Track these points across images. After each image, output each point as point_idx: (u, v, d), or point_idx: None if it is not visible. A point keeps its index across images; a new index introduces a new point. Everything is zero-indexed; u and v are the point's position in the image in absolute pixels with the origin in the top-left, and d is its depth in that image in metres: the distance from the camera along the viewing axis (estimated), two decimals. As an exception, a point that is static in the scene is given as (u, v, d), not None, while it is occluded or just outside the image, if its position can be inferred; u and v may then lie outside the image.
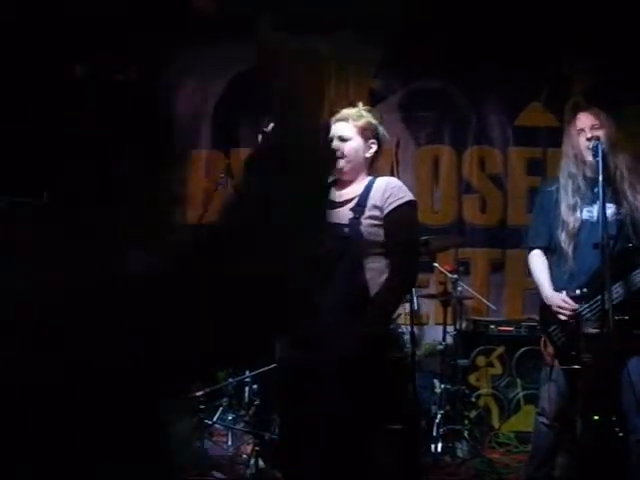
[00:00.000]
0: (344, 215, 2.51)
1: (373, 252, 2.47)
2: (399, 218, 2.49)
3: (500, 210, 5.09)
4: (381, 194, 2.51)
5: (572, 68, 4.98)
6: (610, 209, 2.87)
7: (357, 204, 2.52)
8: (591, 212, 2.95)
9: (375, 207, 2.49)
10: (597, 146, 2.80)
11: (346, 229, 2.49)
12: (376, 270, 2.46)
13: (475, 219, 5.11)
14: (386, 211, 2.48)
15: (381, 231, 2.48)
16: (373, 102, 5.20)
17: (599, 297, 2.84)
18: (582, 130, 2.96)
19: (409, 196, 2.54)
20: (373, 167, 2.64)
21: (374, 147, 2.60)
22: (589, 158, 2.91)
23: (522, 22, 4.68)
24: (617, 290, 2.81)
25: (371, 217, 2.48)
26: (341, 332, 2.44)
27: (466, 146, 5.15)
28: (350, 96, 5.23)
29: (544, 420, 3.05)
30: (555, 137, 5.00)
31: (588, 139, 2.91)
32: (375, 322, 2.40)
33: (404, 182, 2.70)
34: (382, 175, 2.70)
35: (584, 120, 2.98)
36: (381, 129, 2.64)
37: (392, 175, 3.19)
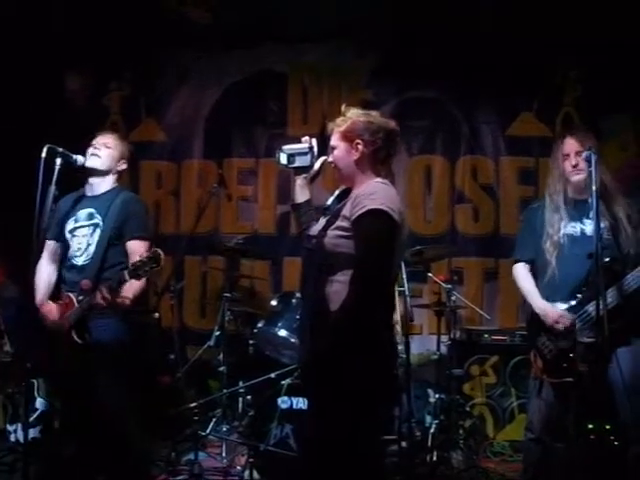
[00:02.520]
0: (319, 226, 2.47)
1: (340, 265, 2.33)
2: (359, 229, 2.31)
3: (493, 219, 5.10)
4: (351, 202, 2.38)
5: (563, 79, 5.01)
6: (591, 225, 2.97)
7: (332, 214, 2.44)
8: (575, 227, 3.09)
9: (344, 217, 2.36)
10: (590, 156, 2.83)
11: (313, 240, 2.42)
12: (343, 283, 2.30)
13: (468, 228, 5.12)
14: (352, 221, 2.34)
15: (351, 242, 2.33)
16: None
17: (588, 306, 2.88)
18: (567, 155, 3.11)
19: (375, 204, 2.31)
20: (382, 167, 2.47)
21: (360, 147, 2.44)
22: (573, 179, 3.06)
23: (514, 33, 4.71)
24: (611, 294, 2.85)
25: (339, 228, 2.36)
26: (305, 346, 2.42)
27: (458, 156, 5.16)
28: (342, 106, 5.23)
29: (532, 436, 3.07)
30: (547, 147, 5.00)
31: (573, 166, 3.06)
32: (327, 339, 2.25)
33: (397, 192, 2.64)
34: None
35: (570, 146, 3.11)
36: (375, 124, 2.46)
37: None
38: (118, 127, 5.31)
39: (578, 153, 3.03)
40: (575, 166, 3.04)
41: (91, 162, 3.20)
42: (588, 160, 2.84)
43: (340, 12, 4.68)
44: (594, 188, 2.78)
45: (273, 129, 5.30)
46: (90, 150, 3.22)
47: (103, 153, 3.22)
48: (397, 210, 2.35)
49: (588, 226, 3.02)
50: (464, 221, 5.13)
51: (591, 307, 2.88)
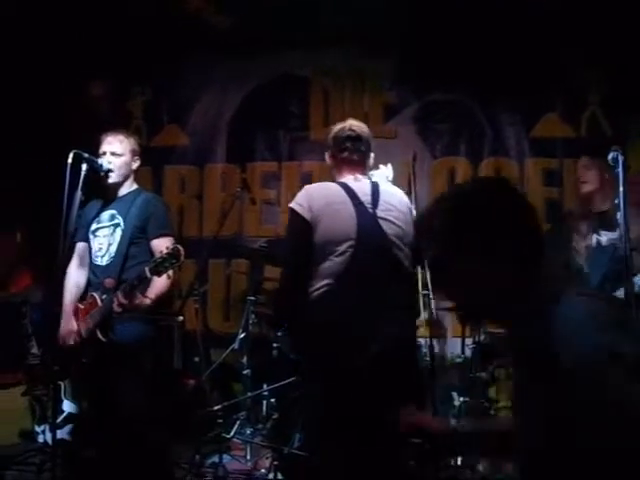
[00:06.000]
0: None
1: None
2: None
3: (517, 221, 5.06)
4: None
5: (587, 78, 4.95)
6: (606, 236, 3.06)
7: None
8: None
9: None
10: (617, 157, 2.79)
11: None
12: None
13: (492, 231, 5.08)
14: None
15: None
16: (388, 115, 5.22)
17: None
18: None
19: (291, 202, 2.61)
20: (349, 167, 2.70)
21: (327, 159, 2.76)
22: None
23: (537, 33, 4.67)
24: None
25: None
26: None
27: (482, 157, 5.13)
28: (365, 109, 5.24)
29: None
30: (571, 148, 4.98)
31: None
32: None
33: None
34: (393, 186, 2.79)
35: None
36: (330, 135, 2.73)
37: (409, 188, 3.15)
38: (141, 132, 5.36)
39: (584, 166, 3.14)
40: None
41: (109, 179, 3.22)
42: (615, 161, 2.80)
43: (362, 15, 4.68)
44: (621, 189, 2.74)
45: (295, 132, 5.32)
46: (104, 163, 3.21)
47: (116, 164, 3.22)
48: (315, 205, 2.49)
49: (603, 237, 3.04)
50: (488, 223, 5.08)
51: None
